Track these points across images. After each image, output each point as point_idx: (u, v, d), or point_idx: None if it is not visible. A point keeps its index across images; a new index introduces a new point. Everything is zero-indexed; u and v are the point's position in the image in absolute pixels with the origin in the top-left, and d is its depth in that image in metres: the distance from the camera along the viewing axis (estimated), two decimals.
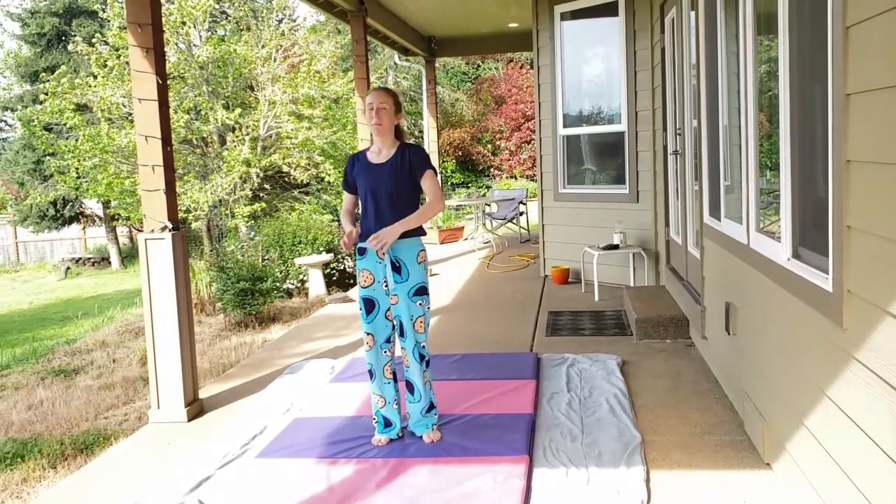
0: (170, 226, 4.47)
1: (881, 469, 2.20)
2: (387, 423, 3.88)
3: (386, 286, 3.78)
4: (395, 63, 16.10)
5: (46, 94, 14.96)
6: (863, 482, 2.36)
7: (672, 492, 3.20)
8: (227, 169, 14.80)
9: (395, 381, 3.90)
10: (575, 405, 4.26)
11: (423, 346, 3.83)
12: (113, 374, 7.33)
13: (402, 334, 3.82)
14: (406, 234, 3.72)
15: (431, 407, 3.91)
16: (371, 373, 3.85)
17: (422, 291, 3.79)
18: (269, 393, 4.90)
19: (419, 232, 3.81)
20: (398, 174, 3.75)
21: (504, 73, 27.35)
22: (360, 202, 3.85)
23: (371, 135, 3.87)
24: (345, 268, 11.04)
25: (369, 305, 3.79)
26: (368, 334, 3.81)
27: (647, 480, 3.30)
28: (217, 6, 18.68)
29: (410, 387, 3.87)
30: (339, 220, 16.61)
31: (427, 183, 3.82)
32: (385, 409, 3.86)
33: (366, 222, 3.76)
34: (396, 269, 3.74)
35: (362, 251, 3.79)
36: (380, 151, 3.81)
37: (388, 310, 3.82)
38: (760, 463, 3.42)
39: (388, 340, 3.85)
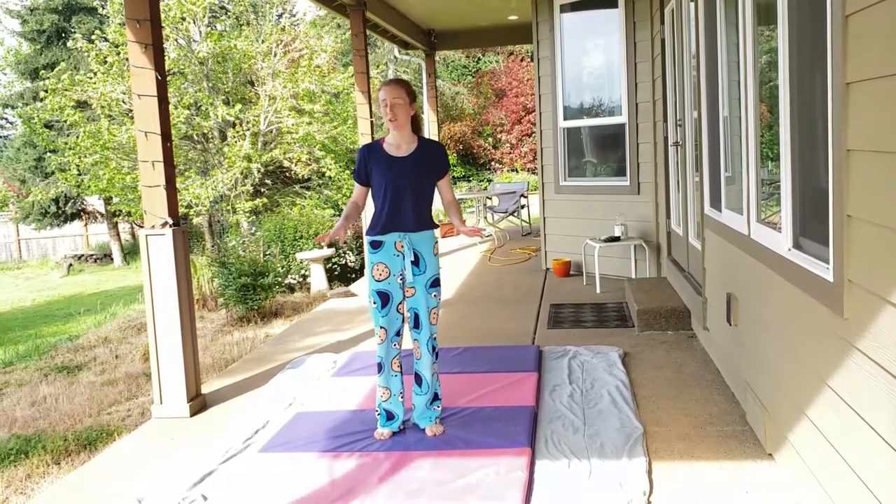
0: (170, 222, 4.47)
1: (882, 458, 2.20)
2: (389, 417, 3.88)
3: (401, 279, 3.78)
4: (395, 57, 16.05)
5: (46, 91, 14.95)
6: (864, 471, 2.36)
7: (674, 483, 3.20)
8: (227, 164, 14.80)
9: (402, 373, 3.91)
10: (577, 397, 4.26)
11: (435, 338, 3.86)
12: (116, 370, 7.35)
13: (416, 326, 3.82)
14: (424, 227, 3.76)
15: (436, 398, 3.92)
16: (380, 366, 3.84)
17: (437, 283, 3.83)
18: (271, 388, 4.91)
19: (434, 224, 3.84)
20: (422, 170, 3.75)
21: (504, 66, 27.30)
22: (374, 194, 3.79)
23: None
24: (346, 262, 11.05)
25: (384, 299, 3.76)
26: (382, 328, 3.78)
27: (650, 472, 3.30)
28: (217, 1, 18.65)
29: (419, 379, 3.88)
30: (340, 215, 16.61)
31: (445, 183, 3.87)
32: (390, 401, 3.87)
33: (383, 215, 3.72)
34: (415, 261, 3.75)
35: (377, 245, 3.76)
36: (399, 145, 3.76)
37: (401, 303, 3.81)
38: (762, 453, 3.42)
39: (398, 333, 3.85)
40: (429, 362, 3.84)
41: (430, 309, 3.80)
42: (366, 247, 3.83)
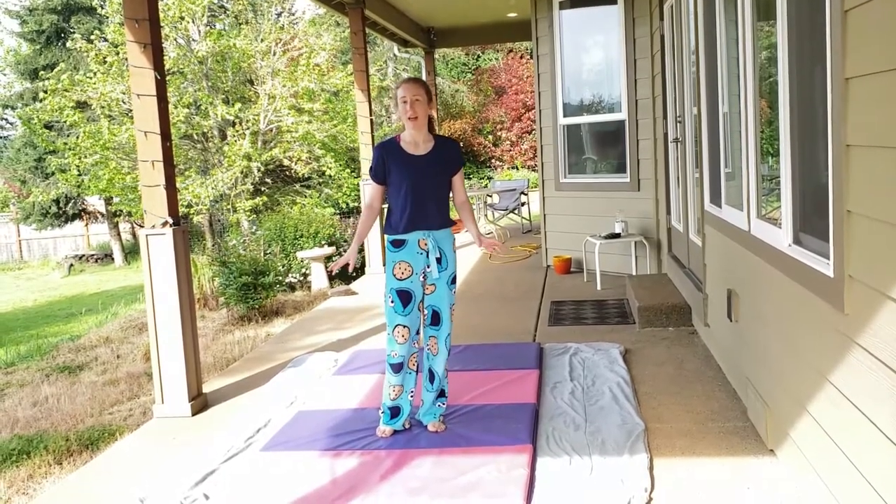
0: (170, 221, 4.47)
1: (883, 453, 2.20)
2: (394, 415, 3.87)
3: (423, 277, 3.78)
4: (395, 55, 16.06)
5: (46, 91, 14.95)
6: (865, 466, 2.36)
7: (676, 479, 3.21)
8: (227, 163, 14.79)
9: (417, 371, 3.91)
10: (578, 394, 4.26)
11: (450, 335, 3.88)
12: (117, 370, 7.36)
13: (433, 323, 3.82)
14: (446, 224, 3.80)
15: (442, 394, 3.93)
16: (399, 365, 3.78)
17: (455, 279, 3.86)
18: (272, 386, 4.91)
19: (452, 222, 3.87)
20: (440, 168, 3.76)
21: (504, 64, 27.27)
22: (393, 194, 3.77)
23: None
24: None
25: (406, 298, 3.73)
26: (404, 327, 3.73)
27: (651, 468, 3.30)
28: (216, 0, 18.63)
29: (431, 375, 3.88)
30: (340, 213, 16.60)
31: (458, 180, 3.88)
32: (400, 398, 3.84)
33: (406, 214, 3.72)
34: (438, 258, 3.76)
35: (399, 243, 3.75)
36: (416, 144, 3.76)
37: (421, 301, 3.81)
38: (764, 449, 3.42)
39: (417, 332, 3.85)
40: (444, 359, 3.86)
41: (450, 305, 3.82)
42: (381, 245, 3.84)
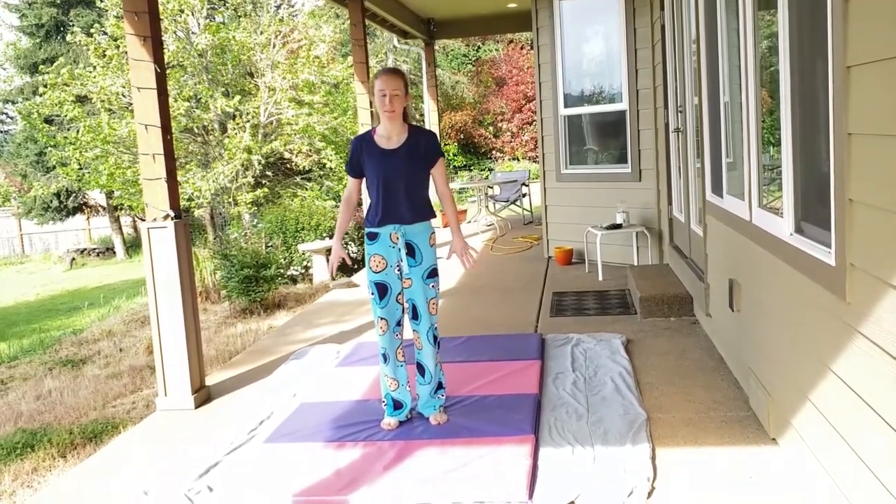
0: (171, 214, 4.47)
1: (886, 442, 2.21)
2: (396, 406, 3.89)
3: (398, 270, 3.78)
4: (395, 46, 15.99)
5: (46, 85, 14.93)
6: (867, 455, 2.36)
7: (678, 468, 3.21)
8: (228, 156, 14.79)
9: (406, 363, 3.91)
10: (580, 384, 4.27)
11: (436, 328, 3.85)
12: (120, 363, 7.38)
13: (415, 317, 3.81)
14: (419, 218, 3.75)
15: (440, 387, 3.93)
16: (385, 356, 3.84)
17: (434, 273, 3.81)
18: (275, 379, 4.92)
19: (431, 215, 3.82)
20: (413, 162, 3.73)
21: (504, 55, 27.19)
22: (369, 187, 3.79)
23: (374, 117, 3.84)
24: (348, 253, 11.06)
25: (382, 290, 3.77)
26: (383, 318, 3.79)
27: (653, 458, 3.31)
28: None
29: (421, 369, 3.88)
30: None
31: (438, 171, 3.83)
32: (398, 391, 3.87)
33: (378, 208, 3.72)
34: (410, 252, 3.74)
35: (373, 236, 3.77)
36: (390, 136, 3.74)
37: (400, 293, 3.81)
38: (766, 438, 3.43)
39: (399, 323, 3.85)
40: (431, 352, 3.84)
41: (428, 300, 3.79)
42: (365, 238, 3.84)
